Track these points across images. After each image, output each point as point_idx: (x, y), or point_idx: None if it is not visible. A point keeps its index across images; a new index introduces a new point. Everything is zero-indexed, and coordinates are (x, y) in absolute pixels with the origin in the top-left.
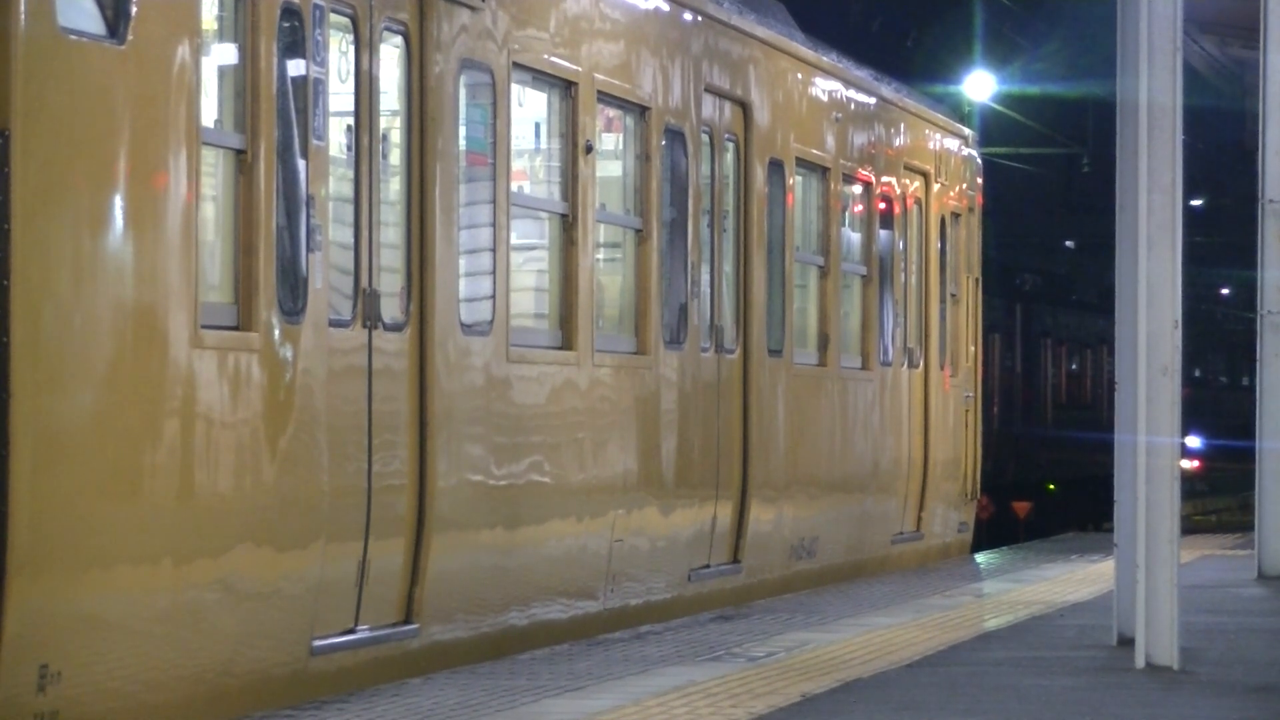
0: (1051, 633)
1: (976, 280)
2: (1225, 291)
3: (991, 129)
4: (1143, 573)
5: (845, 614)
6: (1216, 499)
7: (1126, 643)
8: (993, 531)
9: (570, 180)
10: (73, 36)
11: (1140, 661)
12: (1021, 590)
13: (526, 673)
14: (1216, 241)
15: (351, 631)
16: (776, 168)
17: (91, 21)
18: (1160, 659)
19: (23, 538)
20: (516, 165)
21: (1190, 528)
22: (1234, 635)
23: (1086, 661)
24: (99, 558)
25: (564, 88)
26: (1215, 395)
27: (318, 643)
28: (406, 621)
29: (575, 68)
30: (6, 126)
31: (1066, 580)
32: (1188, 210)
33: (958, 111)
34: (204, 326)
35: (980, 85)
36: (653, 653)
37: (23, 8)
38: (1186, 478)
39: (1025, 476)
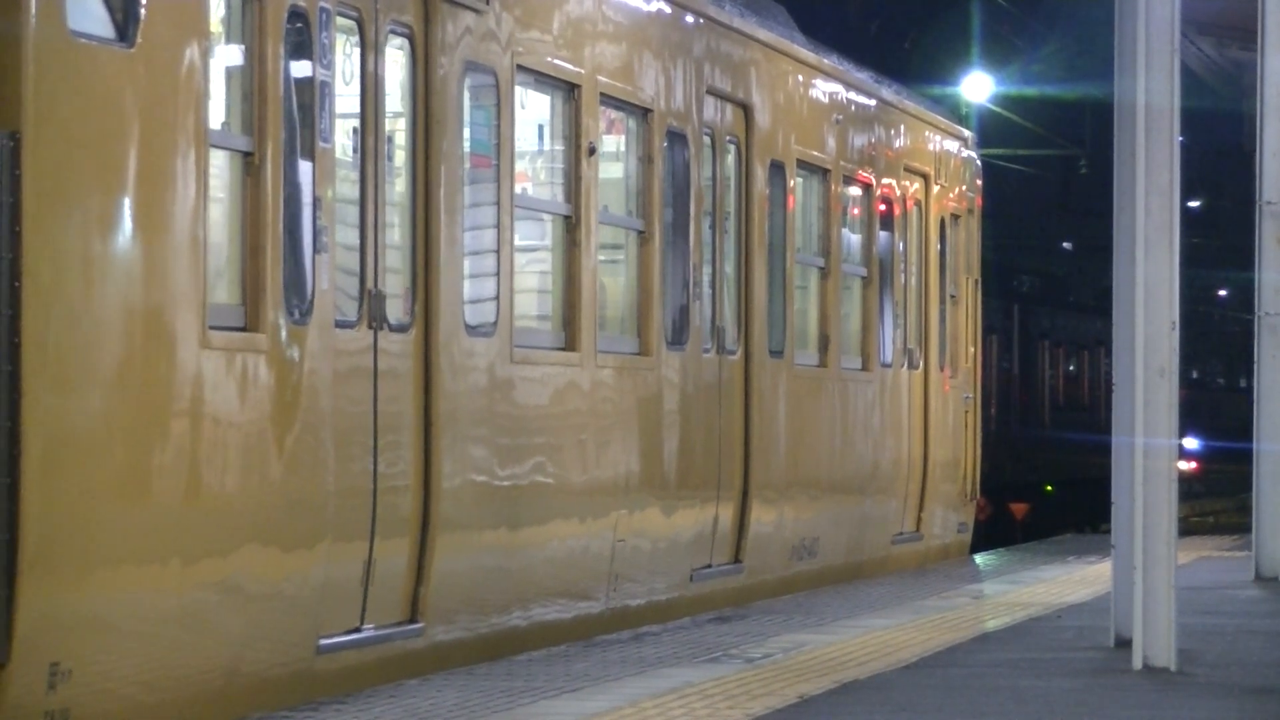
0: (1049, 634)
1: (976, 281)
2: (1223, 293)
3: (989, 131)
4: (1140, 574)
5: (843, 615)
6: (1214, 501)
7: (1124, 644)
8: (990, 532)
9: (573, 182)
10: (82, 40)
11: (1138, 663)
12: (1019, 591)
13: (524, 674)
14: (1214, 243)
15: (357, 631)
16: (777, 169)
17: (101, 25)
18: (1158, 660)
19: (33, 537)
20: (520, 167)
21: (1187, 529)
22: (1231, 637)
23: (1084, 663)
24: (108, 557)
25: (567, 90)
26: (1213, 397)
27: (324, 642)
28: (411, 621)
29: (578, 70)
30: (17, 129)
31: (1064, 582)
32: (1185, 212)
33: (956, 113)
34: (212, 327)
35: (978, 87)
36: (650, 654)
37: (33, 11)
38: (1184, 479)
39: (1023, 478)
